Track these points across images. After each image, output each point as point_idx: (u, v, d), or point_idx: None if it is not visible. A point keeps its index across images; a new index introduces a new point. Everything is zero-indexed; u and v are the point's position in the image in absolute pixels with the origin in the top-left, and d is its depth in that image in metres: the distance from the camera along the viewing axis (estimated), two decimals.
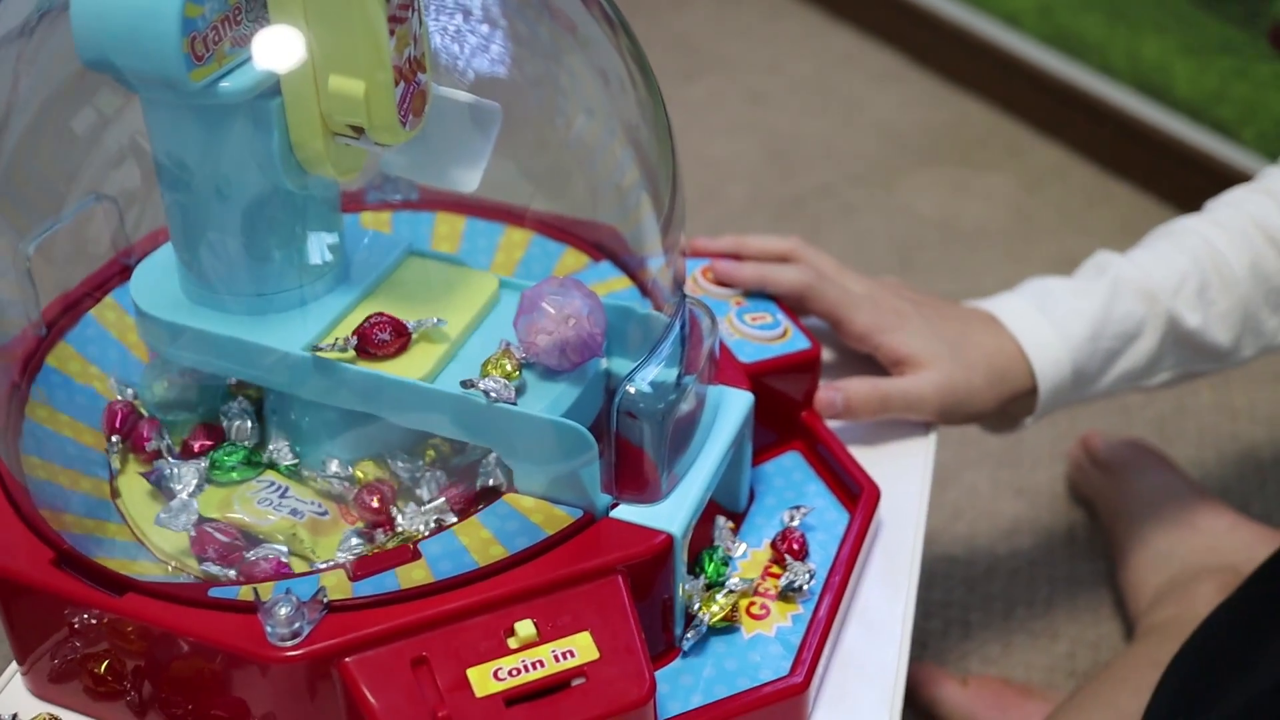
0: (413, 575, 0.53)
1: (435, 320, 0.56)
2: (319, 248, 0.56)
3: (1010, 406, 0.74)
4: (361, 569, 0.53)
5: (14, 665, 0.57)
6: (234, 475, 0.57)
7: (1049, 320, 0.73)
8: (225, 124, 0.51)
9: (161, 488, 0.56)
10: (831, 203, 1.49)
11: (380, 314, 0.55)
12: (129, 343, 0.64)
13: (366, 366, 0.54)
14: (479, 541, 0.54)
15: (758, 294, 0.71)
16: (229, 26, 0.49)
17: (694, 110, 1.63)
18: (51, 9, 0.53)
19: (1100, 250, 0.78)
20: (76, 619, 0.53)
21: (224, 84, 0.50)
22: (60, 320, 0.63)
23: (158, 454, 0.58)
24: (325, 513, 0.56)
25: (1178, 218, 0.79)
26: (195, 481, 0.55)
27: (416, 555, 0.53)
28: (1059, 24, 1.62)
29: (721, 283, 0.71)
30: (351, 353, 0.54)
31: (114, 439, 0.59)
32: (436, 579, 0.52)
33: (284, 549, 0.54)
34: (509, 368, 0.55)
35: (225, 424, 0.58)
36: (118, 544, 0.56)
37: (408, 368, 0.54)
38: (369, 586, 0.52)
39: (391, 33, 0.50)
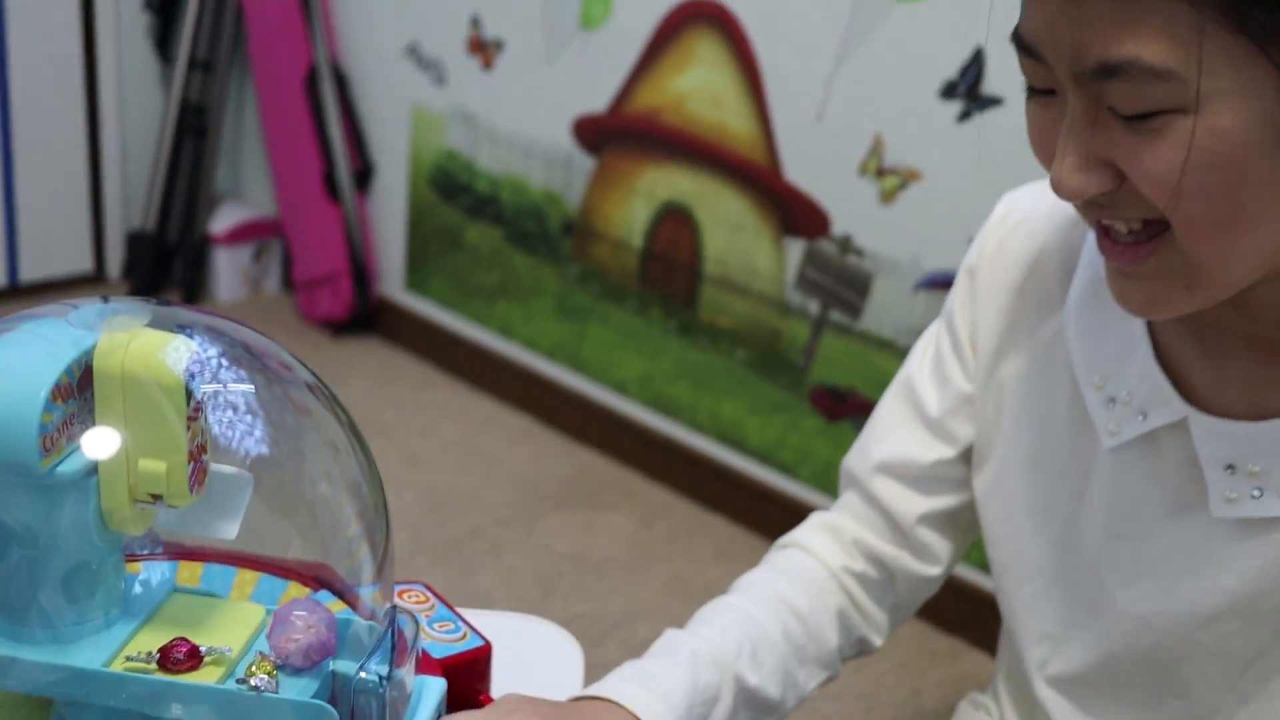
0: None
1: (224, 649, 0.74)
2: (113, 587, 0.75)
3: None
4: None
5: None
6: None
7: (655, 695, 0.79)
8: (57, 496, 0.70)
9: None
10: (482, 545, 1.73)
11: (180, 638, 0.73)
12: None
13: (163, 676, 0.71)
14: None
15: (443, 608, 0.93)
16: (68, 426, 0.69)
17: None
18: None
19: (667, 630, 0.86)
20: None
21: (60, 468, 0.69)
22: None
23: None
24: None
25: (722, 596, 0.91)
26: None
27: None
28: (657, 390, 2.00)
29: None
30: (154, 666, 0.72)
31: None
32: None
33: None
34: (269, 667, 0.74)
35: None
36: None
37: (204, 677, 0.72)
38: None
39: (188, 428, 0.71)
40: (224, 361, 0.78)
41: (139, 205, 2.54)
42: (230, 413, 0.78)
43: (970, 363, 0.86)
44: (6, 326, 0.71)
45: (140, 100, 2.53)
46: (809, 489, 1.81)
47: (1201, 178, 0.61)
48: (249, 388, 0.77)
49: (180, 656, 0.73)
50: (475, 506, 1.81)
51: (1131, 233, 0.66)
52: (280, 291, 2.52)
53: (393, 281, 2.35)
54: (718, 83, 1.82)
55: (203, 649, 0.74)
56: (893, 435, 0.89)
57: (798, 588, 0.89)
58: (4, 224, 2.50)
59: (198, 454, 0.73)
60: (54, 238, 2.53)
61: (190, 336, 0.74)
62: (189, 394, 0.72)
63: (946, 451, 0.87)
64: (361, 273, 2.33)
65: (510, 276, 2.17)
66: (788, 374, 1.83)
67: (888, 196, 1.69)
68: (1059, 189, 0.66)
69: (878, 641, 0.92)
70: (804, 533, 0.93)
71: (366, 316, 2.35)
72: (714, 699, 0.81)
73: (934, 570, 0.91)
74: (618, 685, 0.81)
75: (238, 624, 0.78)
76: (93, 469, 0.71)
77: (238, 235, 2.48)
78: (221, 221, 2.48)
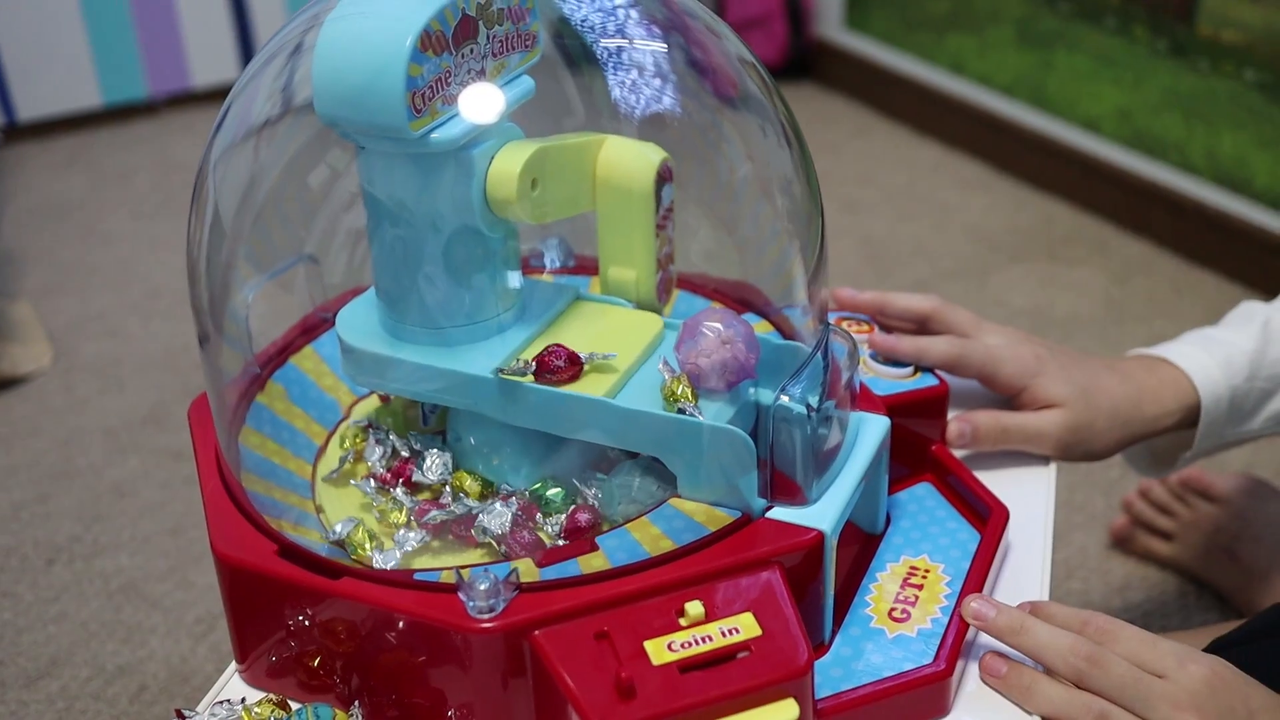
0: (592, 563, 0.59)
1: (606, 354, 0.63)
2: (505, 286, 0.64)
3: (1162, 448, 0.81)
4: (546, 558, 0.59)
5: (232, 666, 0.64)
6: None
7: (1215, 361, 0.78)
8: (434, 171, 0.59)
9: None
10: None
11: (556, 344, 0.62)
12: (324, 385, 0.72)
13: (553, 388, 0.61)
14: (649, 537, 0.60)
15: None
16: (441, 86, 0.58)
17: None
18: (290, 89, 0.62)
19: (1244, 301, 0.83)
20: (294, 611, 0.59)
21: (435, 134, 0.58)
22: (270, 363, 0.71)
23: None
24: None
25: None
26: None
27: (594, 547, 0.60)
28: (1137, 127, 1.70)
29: (883, 355, 0.77)
30: (530, 376, 0.61)
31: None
32: (614, 566, 0.58)
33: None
34: (688, 389, 0.61)
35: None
36: (322, 547, 0.63)
37: (590, 388, 0.61)
38: (554, 571, 0.58)
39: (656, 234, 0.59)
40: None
41: None
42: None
43: None
44: None
45: None
46: None
47: None
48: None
49: (559, 364, 0.62)
50: (920, 257, 1.63)
51: None
52: None
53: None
54: None
55: (583, 356, 0.62)
56: None
57: None
58: None
59: (664, 264, 0.62)
60: None
61: None
62: None
63: None
64: None
65: (962, 3, 1.91)
66: None
67: None
68: None
69: None
70: None
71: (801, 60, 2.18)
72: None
73: None
74: (1175, 346, 0.80)
75: (632, 332, 0.66)
76: (473, 137, 0.60)
77: None
78: None
